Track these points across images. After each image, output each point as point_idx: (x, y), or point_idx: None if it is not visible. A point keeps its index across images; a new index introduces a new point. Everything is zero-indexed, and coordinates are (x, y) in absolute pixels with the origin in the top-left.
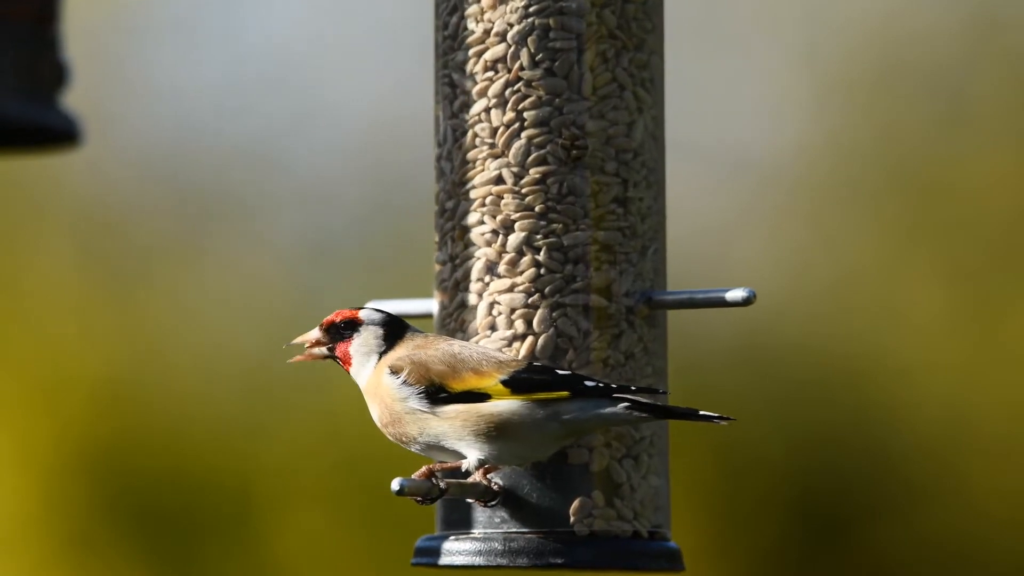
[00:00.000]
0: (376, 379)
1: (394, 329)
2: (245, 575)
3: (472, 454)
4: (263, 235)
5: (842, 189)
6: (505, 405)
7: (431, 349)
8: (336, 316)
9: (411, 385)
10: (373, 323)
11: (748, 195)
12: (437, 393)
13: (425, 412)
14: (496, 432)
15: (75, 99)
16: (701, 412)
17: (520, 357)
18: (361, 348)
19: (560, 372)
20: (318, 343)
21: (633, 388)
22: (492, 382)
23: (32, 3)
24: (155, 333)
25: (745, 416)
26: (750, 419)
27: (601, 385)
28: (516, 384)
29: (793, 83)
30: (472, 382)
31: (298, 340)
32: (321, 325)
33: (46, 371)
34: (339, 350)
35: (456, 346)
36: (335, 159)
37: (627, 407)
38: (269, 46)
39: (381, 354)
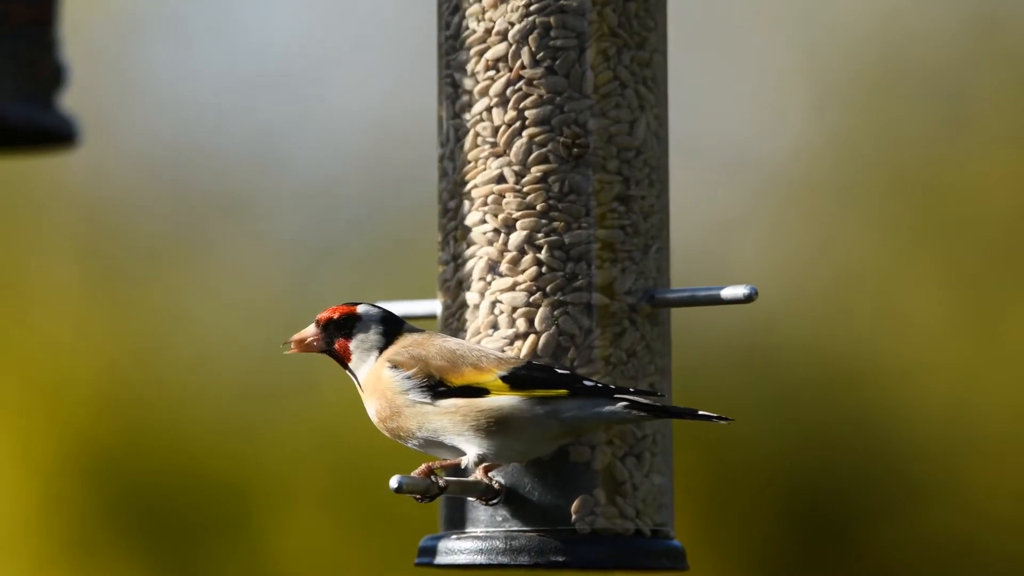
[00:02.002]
0: (376, 373)
1: (392, 325)
2: (245, 575)
3: (471, 450)
4: (263, 235)
5: (842, 189)
6: (504, 400)
7: (429, 346)
8: (333, 312)
9: (412, 378)
10: (372, 319)
11: (748, 195)
12: (437, 387)
13: (425, 405)
14: (495, 427)
15: (75, 100)
16: (700, 412)
17: (521, 356)
18: (362, 344)
19: (559, 371)
20: (314, 339)
21: (632, 389)
22: (491, 377)
23: (31, 5)
24: (155, 333)
25: (745, 415)
26: (750, 419)
27: (599, 385)
28: (515, 380)
29: (793, 83)
30: (471, 377)
31: (295, 338)
32: (317, 321)
33: (46, 371)
34: (338, 345)
35: (453, 343)
36: (335, 159)
37: (626, 406)
38: (269, 46)
39: (381, 349)
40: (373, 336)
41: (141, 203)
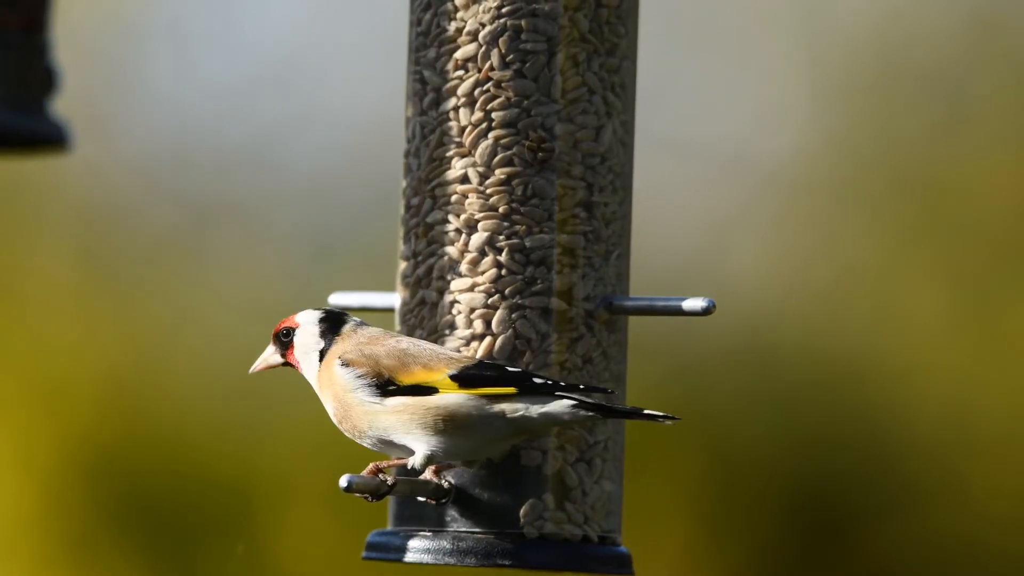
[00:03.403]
0: (327, 371)
1: (331, 323)
2: (245, 575)
3: (419, 450)
4: (263, 235)
5: (842, 189)
6: (451, 398)
7: (381, 344)
8: (279, 326)
9: (362, 376)
10: (307, 323)
11: (748, 195)
12: (386, 386)
13: (374, 404)
14: (442, 426)
15: (74, 100)
16: (645, 411)
17: (476, 356)
18: (301, 349)
19: (510, 369)
20: (272, 355)
21: (581, 387)
22: (440, 376)
23: (23, 11)
24: (155, 334)
25: (744, 416)
26: (749, 419)
27: (549, 383)
28: (464, 379)
29: (793, 83)
30: (421, 376)
31: (257, 363)
32: (272, 338)
33: (46, 372)
34: (289, 357)
35: (405, 342)
36: (335, 159)
37: (573, 405)
38: (268, 46)
39: (322, 351)
40: (311, 339)
41: (141, 204)
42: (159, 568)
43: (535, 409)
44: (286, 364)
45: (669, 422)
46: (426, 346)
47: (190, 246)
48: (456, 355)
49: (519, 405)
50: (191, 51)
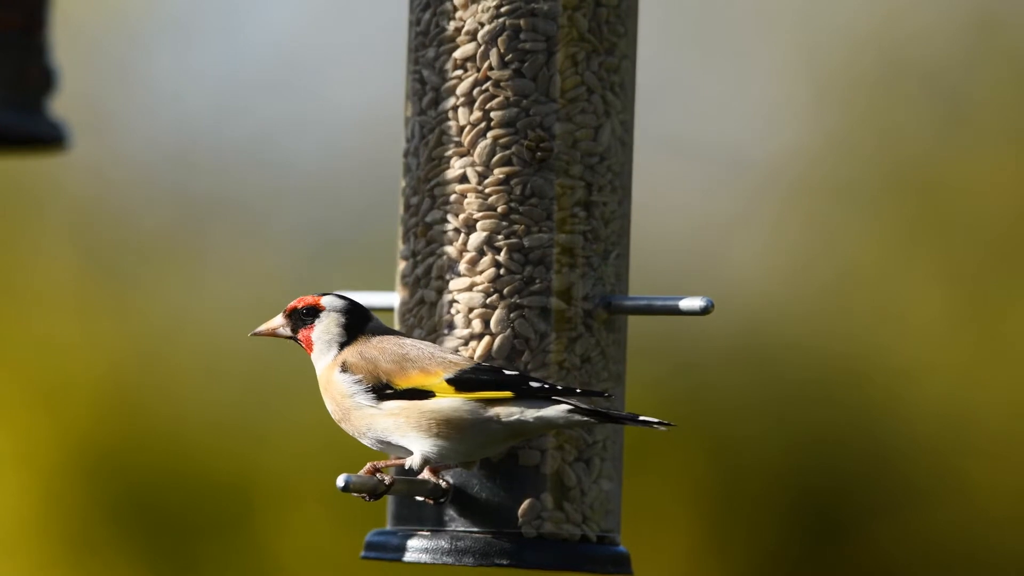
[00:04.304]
0: (328, 374)
1: (356, 319)
2: (246, 575)
3: (417, 451)
4: (263, 234)
5: (842, 189)
6: (447, 402)
7: (383, 348)
8: (299, 302)
9: (360, 382)
10: (335, 310)
11: (748, 195)
12: (383, 390)
13: (371, 408)
14: (438, 429)
15: (74, 100)
16: (640, 417)
17: (476, 357)
18: (323, 335)
19: (507, 372)
20: (280, 326)
21: (578, 391)
22: (437, 380)
23: (21, 11)
24: (156, 334)
25: (744, 415)
26: (749, 418)
27: (546, 386)
28: (460, 383)
29: (793, 83)
30: (418, 380)
31: (261, 328)
32: (284, 311)
33: (47, 372)
34: (301, 335)
35: (408, 345)
36: (334, 157)
37: (569, 410)
38: (268, 45)
39: (342, 344)
40: (335, 329)
41: (141, 203)
42: (159, 568)
43: (530, 413)
44: (292, 339)
45: (664, 428)
46: (427, 349)
47: (190, 245)
48: (455, 358)
49: (514, 409)
50: (191, 50)
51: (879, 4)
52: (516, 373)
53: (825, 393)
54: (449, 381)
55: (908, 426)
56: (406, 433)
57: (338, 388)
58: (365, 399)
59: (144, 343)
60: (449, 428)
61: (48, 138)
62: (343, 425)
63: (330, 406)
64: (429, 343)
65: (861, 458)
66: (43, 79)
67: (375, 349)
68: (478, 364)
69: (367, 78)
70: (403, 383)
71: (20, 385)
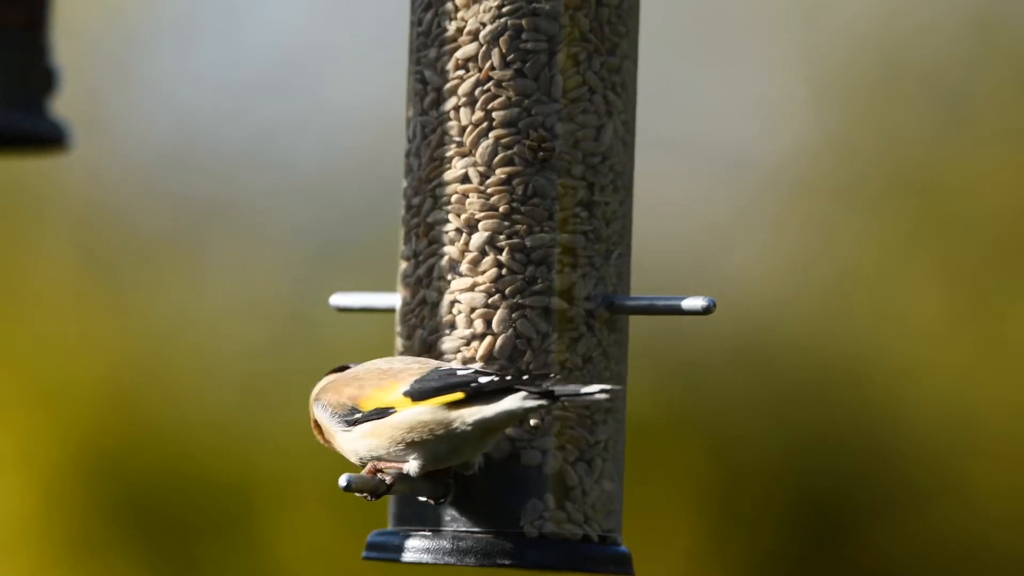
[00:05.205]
0: (312, 409)
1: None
2: (245, 575)
3: (407, 463)
4: (263, 235)
5: (842, 189)
6: (406, 415)
7: (347, 376)
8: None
9: (333, 412)
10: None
11: (747, 195)
12: (352, 414)
13: (347, 433)
14: (411, 440)
15: (74, 100)
16: (583, 390)
17: (478, 357)
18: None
19: (459, 372)
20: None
21: (526, 376)
22: (393, 395)
23: (23, 10)
24: (156, 334)
25: (745, 415)
26: (750, 418)
27: (495, 378)
28: (415, 393)
29: (793, 83)
30: (377, 398)
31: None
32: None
33: (47, 372)
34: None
35: (363, 369)
36: (334, 158)
37: (524, 397)
38: (268, 46)
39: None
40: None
41: (141, 204)
42: (159, 568)
43: (490, 409)
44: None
45: (605, 396)
46: (386, 366)
47: (190, 246)
48: (414, 367)
49: (475, 408)
50: (191, 50)
51: (879, 4)
52: (469, 371)
53: (825, 393)
54: (406, 394)
55: (908, 426)
56: (387, 449)
57: (320, 419)
58: (341, 426)
59: (144, 343)
60: (421, 438)
61: (50, 138)
62: (340, 452)
63: (322, 436)
64: (399, 359)
65: (861, 458)
66: (45, 78)
67: (342, 380)
68: (434, 369)
69: (367, 78)
70: (367, 405)
71: (20, 385)
